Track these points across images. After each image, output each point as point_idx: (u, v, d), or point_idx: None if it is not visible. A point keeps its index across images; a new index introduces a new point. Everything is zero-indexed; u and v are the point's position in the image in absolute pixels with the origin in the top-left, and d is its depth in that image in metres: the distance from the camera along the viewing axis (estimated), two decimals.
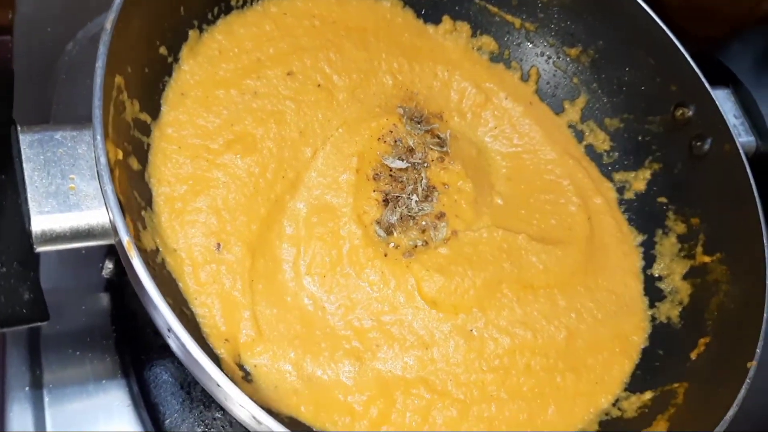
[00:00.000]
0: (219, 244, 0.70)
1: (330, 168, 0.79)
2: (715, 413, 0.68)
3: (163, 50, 0.73)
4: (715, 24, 1.11)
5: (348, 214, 0.77)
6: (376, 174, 0.80)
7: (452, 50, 0.97)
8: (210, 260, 0.69)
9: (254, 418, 0.51)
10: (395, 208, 0.78)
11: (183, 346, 0.51)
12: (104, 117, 0.57)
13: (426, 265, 0.76)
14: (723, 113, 0.85)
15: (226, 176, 0.73)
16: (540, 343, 0.78)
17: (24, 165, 0.56)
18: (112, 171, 0.55)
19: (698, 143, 0.87)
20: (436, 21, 0.97)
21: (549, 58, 0.99)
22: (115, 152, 0.60)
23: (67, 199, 0.56)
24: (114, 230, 0.55)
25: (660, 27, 0.89)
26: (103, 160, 0.54)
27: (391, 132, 0.83)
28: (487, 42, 0.98)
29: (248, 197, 0.73)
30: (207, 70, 0.78)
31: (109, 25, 0.60)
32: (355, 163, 0.79)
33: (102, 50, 0.58)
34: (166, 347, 0.76)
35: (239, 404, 0.51)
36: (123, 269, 0.78)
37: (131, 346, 0.77)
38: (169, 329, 0.52)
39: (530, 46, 0.99)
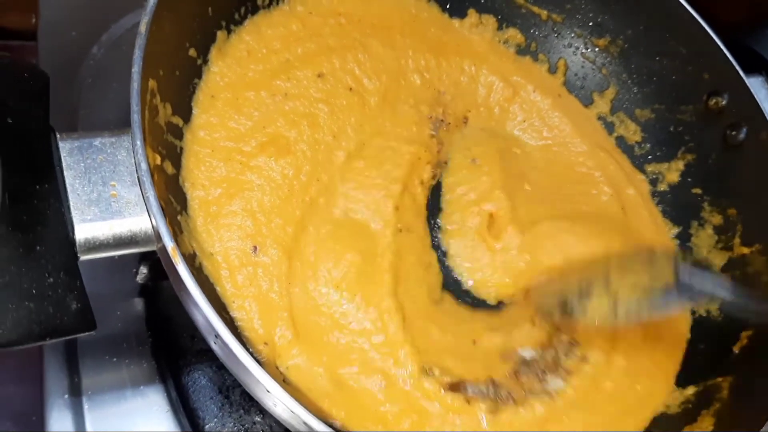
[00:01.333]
0: (255, 247, 0.70)
1: (368, 187, 0.77)
2: (762, 408, 0.66)
3: (192, 52, 0.73)
4: (742, 9, 1.10)
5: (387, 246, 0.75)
6: None
7: (478, 44, 0.96)
8: (246, 263, 0.69)
9: (305, 423, 0.51)
10: None
11: (231, 352, 0.50)
12: (142, 122, 0.56)
13: None
14: (758, 101, 0.83)
15: (260, 179, 0.72)
16: None
17: (65, 173, 0.55)
18: (152, 176, 0.55)
19: (733, 132, 0.86)
20: (462, 15, 0.96)
21: (577, 49, 0.98)
22: (153, 157, 0.59)
23: (110, 207, 0.55)
24: (157, 236, 0.54)
25: (691, 14, 0.87)
26: (144, 165, 0.54)
27: None
28: (514, 35, 0.97)
29: (283, 200, 0.73)
30: (236, 72, 0.77)
31: (143, 29, 0.59)
32: (397, 191, 0.78)
33: (138, 54, 0.58)
34: (204, 352, 0.76)
35: (291, 410, 0.50)
36: (158, 274, 0.78)
37: (168, 351, 0.77)
38: (217, 335, 0.51)
39: (557, 37, 0.98)
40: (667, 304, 0.67)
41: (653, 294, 0.67)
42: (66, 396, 0.73)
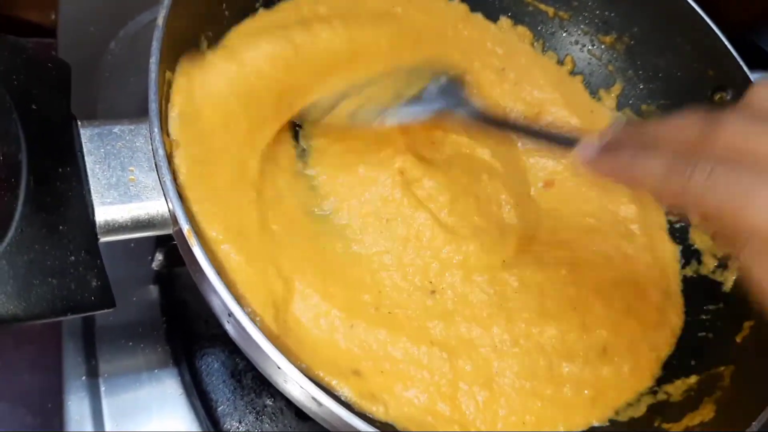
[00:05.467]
0: None
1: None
2: (763, 395, 0.68)
3: (206, 47, 0.75)
4: (749, 7, 1.11)
5: None
6: None
7: None
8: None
9: (314, 399, 0.53)
10: None
11: (243, 329, 0.52)
12: (159, 111, 0.58)
13: None
14: None
15: None
16: None
17: (86, 158, 0.57)
18: (169, 162, 0.57)
19: None
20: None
21: (583, 46, 0.99)
22: (170, 145, 0.61)
23: (128, 191, 0.58)
24: (173, 219, 0.57)
25: (696, 11, 0.88)
26: (161, 152, 0.56)
27: None
28: (522, 32, 0.99)
29: None
30: None
31: (161, 22, 0.61)
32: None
33: (155, 46, 0.60)
34: (217, 337, 0.78)
35: (300, 385, 0.52)
36: (173, 261, 0.81)
37: (182, 336, 0.79)
38: (230, 314, 0.53)
39: (564, 34, 0.99)
40: (404, 112, 0.67)
41: (396, 101, 0.67)
42: (84, 378, 0.75)
